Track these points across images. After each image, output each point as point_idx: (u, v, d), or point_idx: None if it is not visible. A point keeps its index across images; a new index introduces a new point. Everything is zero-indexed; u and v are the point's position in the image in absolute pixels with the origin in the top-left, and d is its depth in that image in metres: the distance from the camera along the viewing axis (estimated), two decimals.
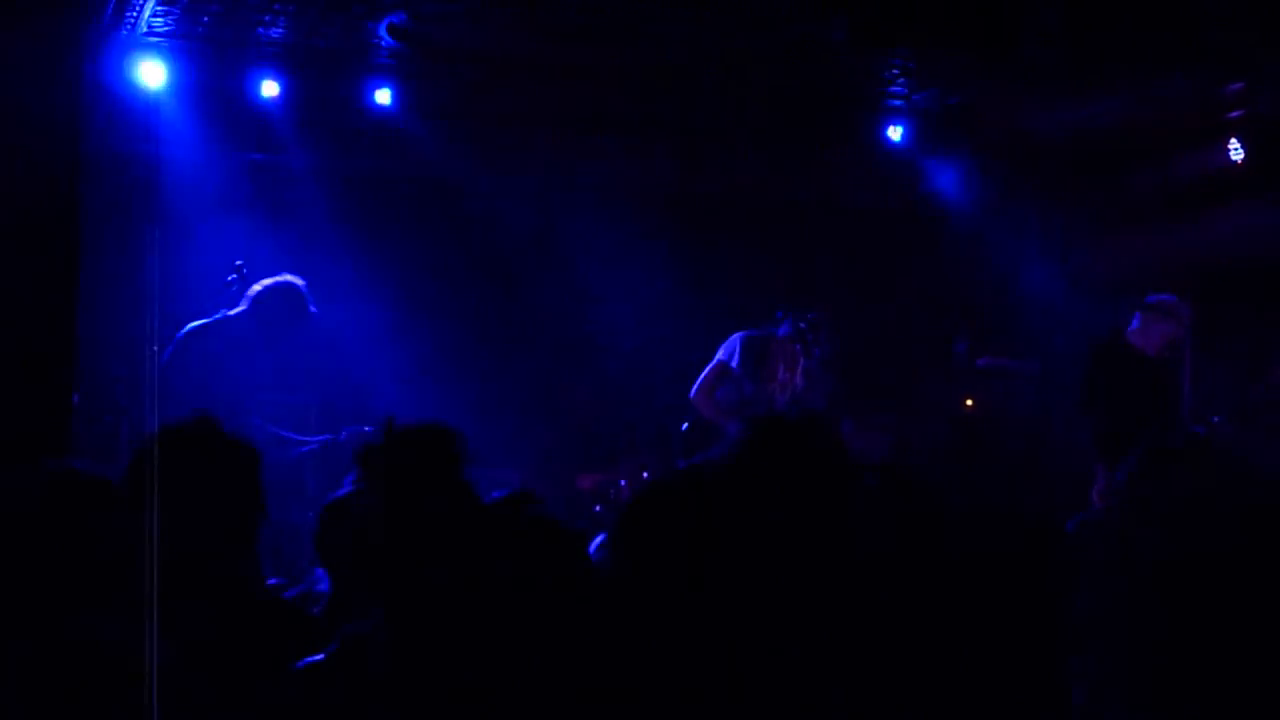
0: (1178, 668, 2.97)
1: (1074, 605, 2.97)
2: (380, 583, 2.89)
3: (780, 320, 7.62)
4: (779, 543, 2.84)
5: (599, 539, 3.21)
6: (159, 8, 7.35)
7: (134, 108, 7.98)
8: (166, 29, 7.69)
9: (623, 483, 8.21)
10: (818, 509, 2.96)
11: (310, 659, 2.86)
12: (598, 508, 8.12)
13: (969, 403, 9.52)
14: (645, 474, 8.02)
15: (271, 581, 3.18)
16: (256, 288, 6.96)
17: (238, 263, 7.28)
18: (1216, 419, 8.10)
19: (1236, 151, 8.68)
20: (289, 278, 7.02)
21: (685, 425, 7.77)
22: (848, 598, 2.83)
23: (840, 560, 2.90)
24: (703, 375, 7.63)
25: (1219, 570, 3.05)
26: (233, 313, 6.92)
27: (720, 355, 7.66)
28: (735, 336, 7.68)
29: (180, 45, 7.88)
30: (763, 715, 2.63)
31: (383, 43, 7.94)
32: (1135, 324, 7.67)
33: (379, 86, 8.42)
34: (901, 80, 8.64)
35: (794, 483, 2.98)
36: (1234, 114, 8.62)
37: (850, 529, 2.98)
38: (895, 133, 9.33)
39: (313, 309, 7.01)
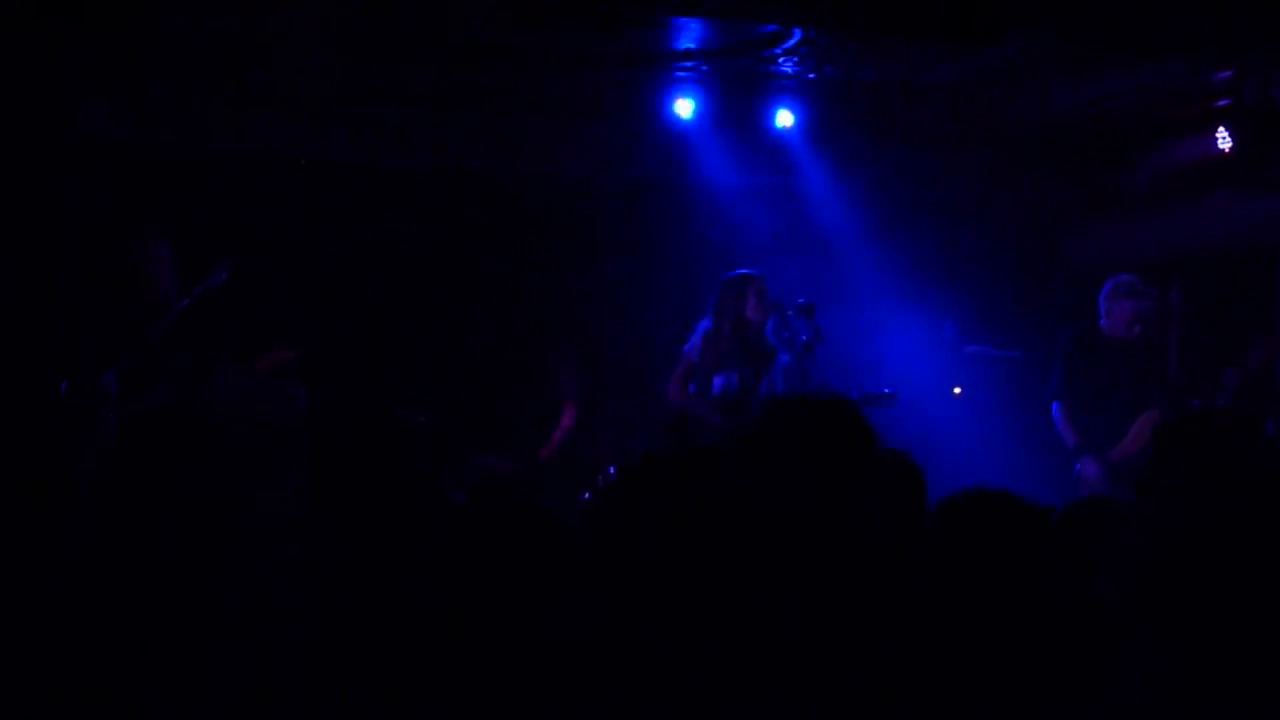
0: (1209, 645, 2.97)
1: (1099, 589, 2.98)
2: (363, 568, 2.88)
3: (770, 307, 7.66)
4: (791, 526, 2.84)
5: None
6: None
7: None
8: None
9: (611, 470, 8.20)
10: (838, 492, 2.95)
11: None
12: (585, 495, 8.12)
13: (957, 390, 9.54)
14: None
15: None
16: None
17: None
18: (1195, 402, 8.15)
19: (1224, 140, 8.69)
20: None
21: (668, 421, 7.80)
22: (859, 582, 2.83)
23: (853, 546, 2.90)
24: (674, 371, 7.73)
25: (1245, 542, 3.04)
26: None
27: (686, 347, 7.75)
28: (698, 326, 7.76)
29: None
30: (756, 704, 2.64)
31: None
32: (1102, 312, 7.77)
33: None
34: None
35: (817, 464, 2.98)
36: (1222, 102, 8.63)
37: (866, 514, 2.98)
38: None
39: None
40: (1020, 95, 8.90)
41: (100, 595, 2.83)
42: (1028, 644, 2.73)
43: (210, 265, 7.27)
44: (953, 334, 9.62)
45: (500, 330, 9.19)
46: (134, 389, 6.78)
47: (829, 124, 9.15)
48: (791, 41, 7.80)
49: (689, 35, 7.81)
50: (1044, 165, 9.75)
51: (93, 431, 6.69)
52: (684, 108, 8.75)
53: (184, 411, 3.06)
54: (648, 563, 2.67)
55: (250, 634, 2.89)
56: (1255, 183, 8.71)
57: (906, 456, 3.84)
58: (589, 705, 2.59)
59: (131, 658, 2.74)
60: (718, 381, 7.58)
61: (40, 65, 5.22)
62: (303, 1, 7.00)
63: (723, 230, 9.38)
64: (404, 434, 3.25)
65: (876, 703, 2.70)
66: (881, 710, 2.70)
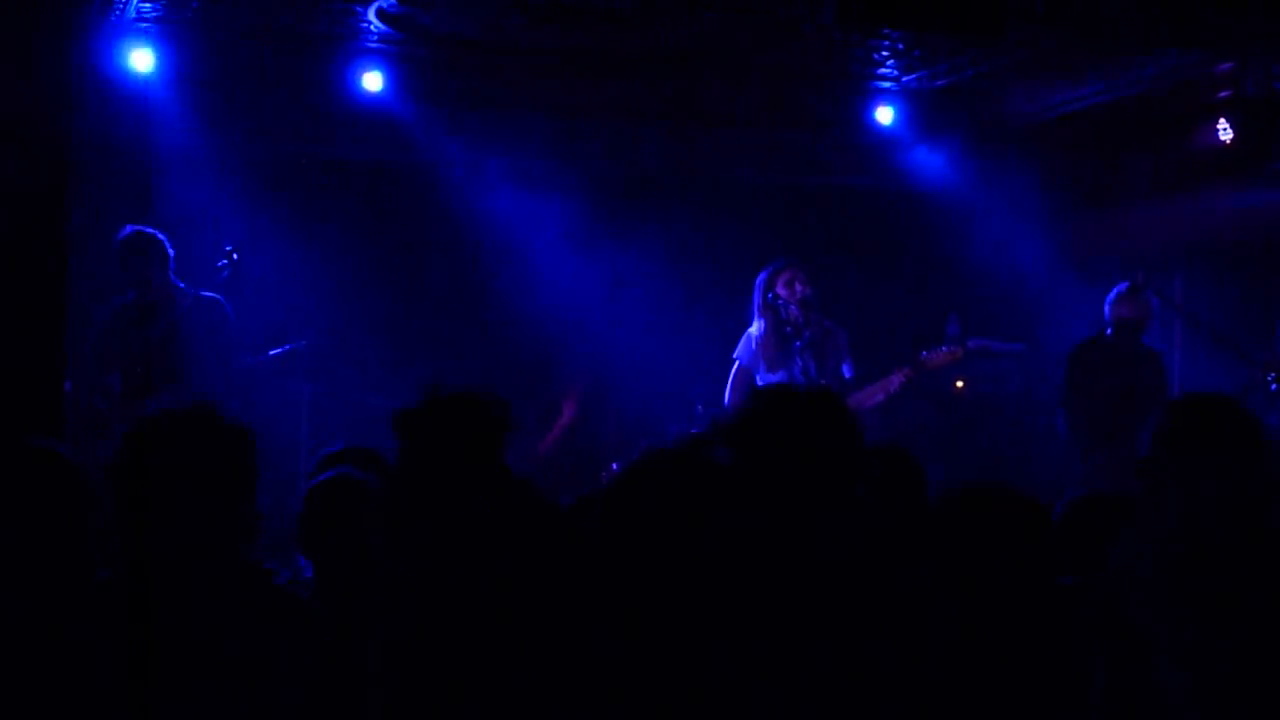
0: (1215, 643, 2.96)
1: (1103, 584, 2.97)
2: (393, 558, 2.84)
3: (772, 302, 7.62)
4: (779, 519, 2.84)
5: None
6: None
7: (124, 94, 7.99)
8: (155, 14, 7.70)
9: (615, 466, 8.21)
10: (822, 485, 2.95)
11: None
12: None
13: (959, 384, 9.53)
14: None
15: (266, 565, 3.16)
16: None
17: (228, 248, 7.30)
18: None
19: (1225, 132, 8.68)
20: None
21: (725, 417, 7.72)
22: (849, 579, 2.83)
23: (842, 541, 2.90)
24: (729, 380, 7.70)
25: (1245, 543, 3.03)
26: None
27: (736, 353, 7.73)
28: (744, 335, 7.73)
29: (169, 30, 7.90)
30: (755, 700, 2.64)
31: (372, 27, 7.94)
32: (1107, 319, 7.86)
33: (368, 71, 8.41)
34: (891, 62, 8.64)
35: (799, 456, 2.97)
36: (1223, 94, 8.62)
37: (854, 511, 2.98)
38: (886, 114, 9.33)
39: None
40: (1022, 88, 8.89)
41: (111, 591, 2.84)
42: (1029, 639, 2.73)
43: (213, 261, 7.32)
44: (957, 328, 9.60)
45: (499, 324, 9.21)
46: (138, 388, 6.80)
47: None
48: None
49: None
50: (1046, 158, 9.74)
51: (98, 431, 6.71)
52: None
53: (192, 411, 3.03)
54: (648, 558, 2.68)
55: (259, 634, 2.90)
56: (1257, 175, 8.70)
57: (905, 451, 3.84)
58: (591, 700, 2.59)
59: (141, 655, 2.74)
60: (771, 379, 7.50)
61: (45, 62, 5.22)
62: None
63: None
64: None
65: (876, 697, 2.71)
66: (882, 702, 2.71)
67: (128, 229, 7.06)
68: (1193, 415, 3.29)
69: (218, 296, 7.08)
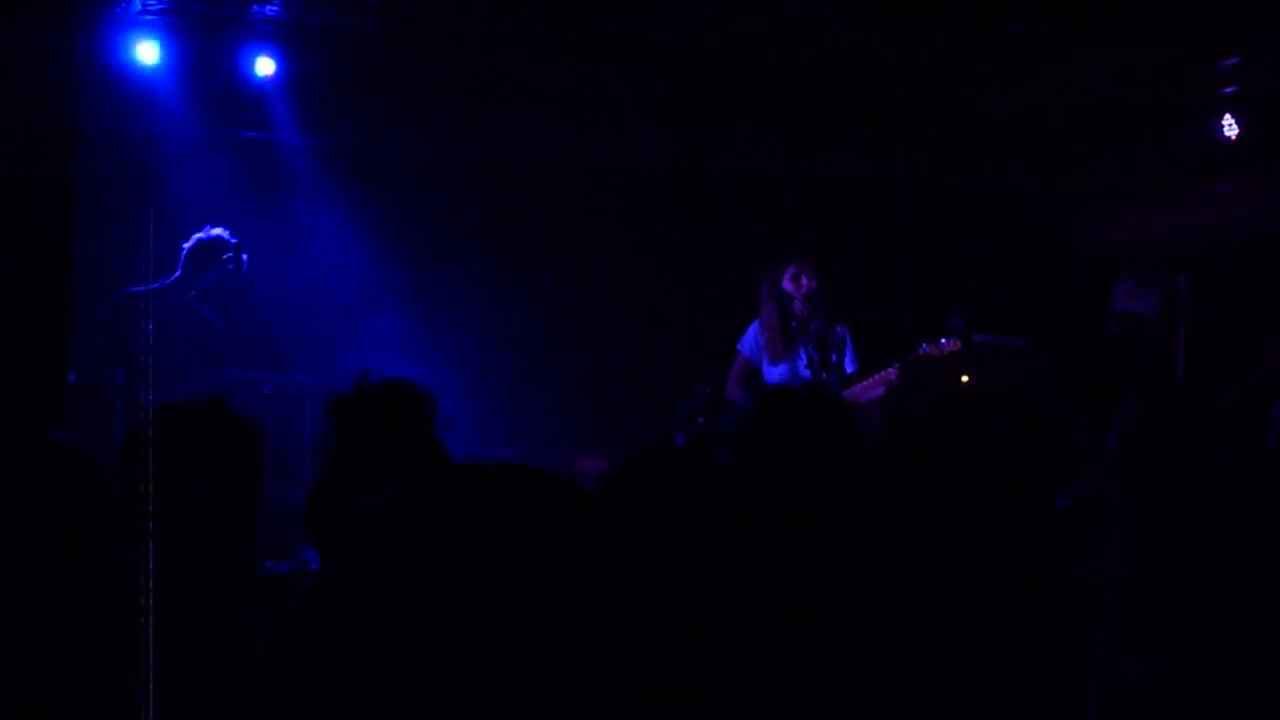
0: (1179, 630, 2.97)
1: (1084, 570, 2.98)
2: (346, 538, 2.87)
3: (777, 296, 7.63)
4: (782, 517, 2.84)
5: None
6: None
7: (129, 86, 7.99)
8: (161, 6, 7.69)
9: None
10: (824, 482, 2.96)
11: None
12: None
13: (964, 379, 9.52)
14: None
15: (267, 564, 3.17)
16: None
17: (235, 242, 7.30)
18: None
19: (1231, 127, 8.68)
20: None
21: (730, 419, 7.75)
22: (853, 572, 2.83)
23: (845, 535, 2.90)
24: (732, 371, 7.73)
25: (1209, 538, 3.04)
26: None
27: (740, 344, 7.74)
28: (749, 327, 7.75)
29: (175, 23, 7.89)
30: (762, 693, 2.64)
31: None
32: (1113, 315, 7.88)
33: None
34: None
35: (800, 455, 2.98)
36: (1229, 89, 8.62)
37: (857, 505, 2.98)
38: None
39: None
40: (1025, 82, 8.89)
41: (117, 587, 2.84)
42: (1037, 630, 2.74)
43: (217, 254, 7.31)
44: (962, 323, 9.60)
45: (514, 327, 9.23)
46: (142, 381, 6.79)
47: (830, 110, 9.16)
48: None
49: None
50: (1053, 152, 9.74)
51: (102, 424, 6.72)
52: None
53: (198, 404, 3.04)
54: (650, 552, 2.68)
55: (266, 623, 2.90)
56: (1262, 170, 8.70)
57: (906, 444, 3.85)
58: (590, 693, 2.59)
59: (146, 647, 2.74)
60: (775, 373, 7.54)
61: (50, 55, 5.23)
62: None
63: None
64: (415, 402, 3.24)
65: (883, 694, 2.71)
66: (888, 698, 2.71)
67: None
68: (1160, 410, 3.29)
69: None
